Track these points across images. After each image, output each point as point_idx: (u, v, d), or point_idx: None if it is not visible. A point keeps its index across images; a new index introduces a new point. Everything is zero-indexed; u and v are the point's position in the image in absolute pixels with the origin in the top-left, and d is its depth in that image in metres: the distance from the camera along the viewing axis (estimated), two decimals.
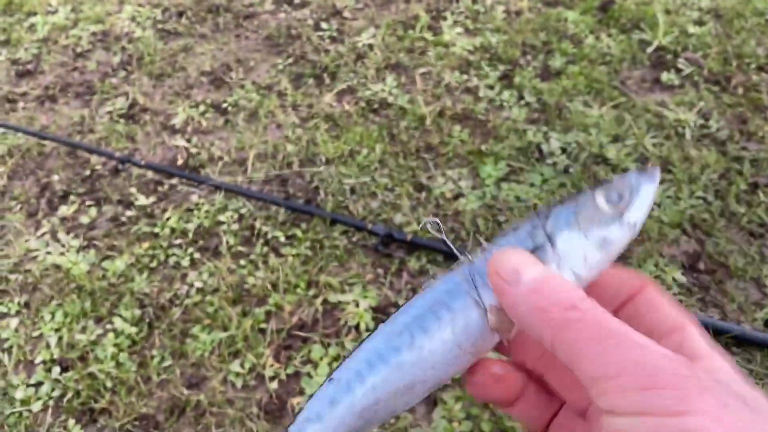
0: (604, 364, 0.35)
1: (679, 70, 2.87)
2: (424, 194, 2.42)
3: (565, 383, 0.47)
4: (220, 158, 2.65)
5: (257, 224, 2.35)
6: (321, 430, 0.45)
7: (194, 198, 2.49)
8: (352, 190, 2.45)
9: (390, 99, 2.82)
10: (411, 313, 0.45)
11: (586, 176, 2.41)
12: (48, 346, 2.09)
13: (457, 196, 2.41)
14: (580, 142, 2.55)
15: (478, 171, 2.48)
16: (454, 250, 0.48)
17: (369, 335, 0.47)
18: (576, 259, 0.44)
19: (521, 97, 2.78)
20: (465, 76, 2.91)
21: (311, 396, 0.46)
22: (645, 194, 0.44)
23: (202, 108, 2.90)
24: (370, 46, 3.16)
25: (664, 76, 2.84)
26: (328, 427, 0.45)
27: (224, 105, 2.91)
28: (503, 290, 0.40)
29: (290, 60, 3.13)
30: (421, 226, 2.29)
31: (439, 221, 0.49)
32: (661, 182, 2.41)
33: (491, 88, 2.84)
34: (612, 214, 0.44)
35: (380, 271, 2.18)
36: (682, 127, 2.59)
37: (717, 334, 1.89)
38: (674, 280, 2.09)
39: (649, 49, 2.99)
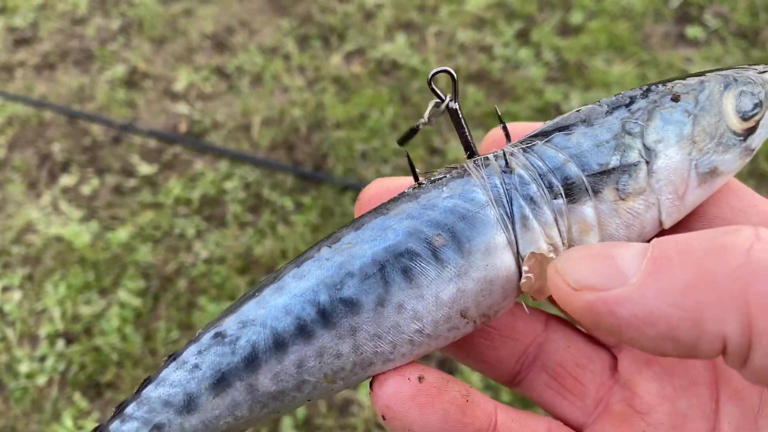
0: None
1: (704, 25, 2.73)
2: (438, 158, 2.31)
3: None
4: (224, 124, 2.55)
5: (264, 192, 2.26)
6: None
7: (198, 166, 2.39)
8: (363, 155, 2.35)
9: (401, 59, 2.69)
10: (388, 240, 0.26)
11: None
12: (52, 319, 2.02)
13: None
14: None
15: None
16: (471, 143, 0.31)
17: (301, 257, 0.28)
18: (670, 194, 0.29)
19: (539, 55, 2.65)
20: (479, 34, 2.77)
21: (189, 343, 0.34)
22: None
23: (204, 73, 2.79)
24: (379, 5, 3.02)
25: (689, 31, 2.70)
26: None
27: (227, 69, 2.80)
28: (597, 301, 0.25)
29: (296, 21, 3.00)
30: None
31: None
32: None
33: (507, 46, 2.71)
34: (739, 130, 0.30)
35: None
36: None
37: None
38: None
39: (673, 4, 2.84)
